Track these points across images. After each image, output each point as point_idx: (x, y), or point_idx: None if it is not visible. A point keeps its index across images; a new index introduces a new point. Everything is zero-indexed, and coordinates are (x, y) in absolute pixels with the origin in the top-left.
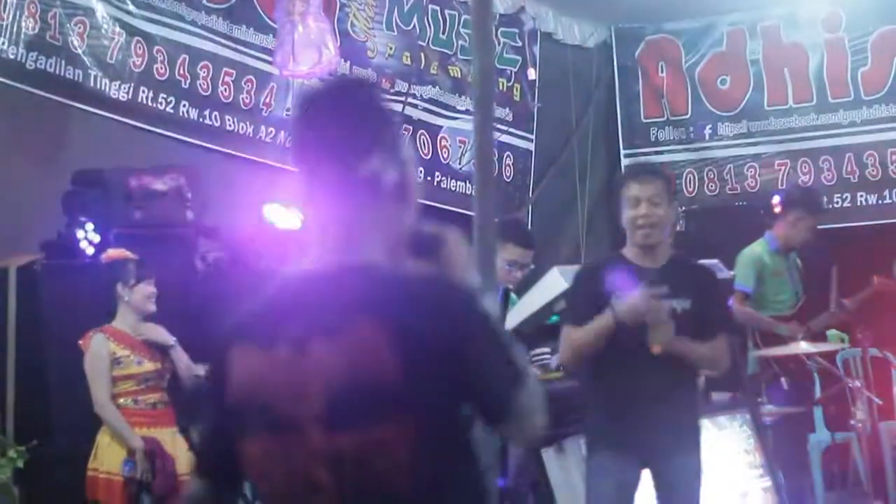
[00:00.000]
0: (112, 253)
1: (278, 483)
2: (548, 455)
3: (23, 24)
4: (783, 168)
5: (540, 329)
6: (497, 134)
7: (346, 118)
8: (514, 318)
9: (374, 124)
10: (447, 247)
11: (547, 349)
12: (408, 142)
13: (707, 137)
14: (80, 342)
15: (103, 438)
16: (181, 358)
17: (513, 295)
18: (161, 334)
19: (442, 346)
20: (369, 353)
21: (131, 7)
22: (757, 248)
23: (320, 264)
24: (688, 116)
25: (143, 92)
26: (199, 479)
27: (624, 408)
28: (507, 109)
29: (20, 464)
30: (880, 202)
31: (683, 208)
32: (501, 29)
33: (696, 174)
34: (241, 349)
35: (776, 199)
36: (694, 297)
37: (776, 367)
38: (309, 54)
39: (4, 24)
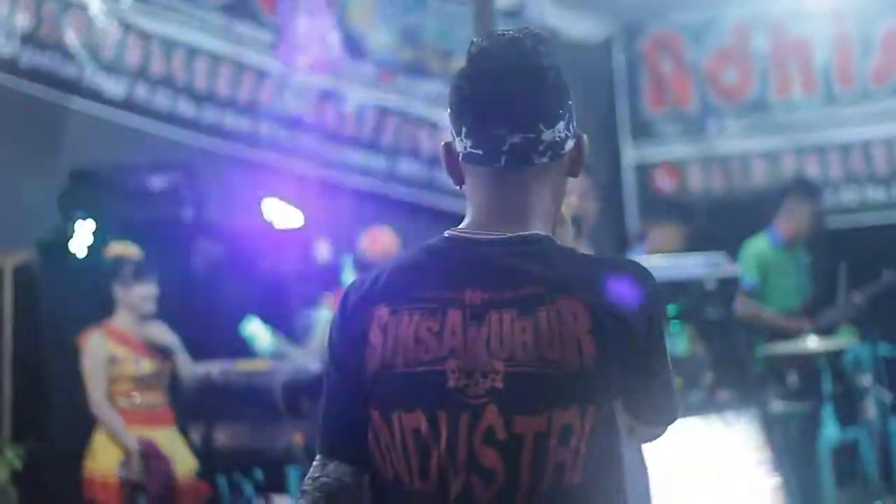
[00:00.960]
0: (115, 248)
1: (430, 459)
2: None
3: (17, 19)
4: (789, 163)
5: None
6: None
7: (530, 77)
8: None
9: (556, 85)
10: (563, 225)
11: None
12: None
13: (712, 131)
14: (79, 339)
15: (100, 439)
16: (182, 359)
17: None
18: (164, 336)
19: (634, 337)
20: (568, 331)
21: (127, 2)
22: (758, 242)
23: (496, 234)
24: (693, 111)
25: (140, 89)
26: (339, 462)
27: None
28: None
29: (17, 464)
30: (889, 197)
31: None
32: (501, 22)
33: (701, 169)
34: (393, 315)
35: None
36: None
37: (784, 362)
38: (313, 49)
39: None
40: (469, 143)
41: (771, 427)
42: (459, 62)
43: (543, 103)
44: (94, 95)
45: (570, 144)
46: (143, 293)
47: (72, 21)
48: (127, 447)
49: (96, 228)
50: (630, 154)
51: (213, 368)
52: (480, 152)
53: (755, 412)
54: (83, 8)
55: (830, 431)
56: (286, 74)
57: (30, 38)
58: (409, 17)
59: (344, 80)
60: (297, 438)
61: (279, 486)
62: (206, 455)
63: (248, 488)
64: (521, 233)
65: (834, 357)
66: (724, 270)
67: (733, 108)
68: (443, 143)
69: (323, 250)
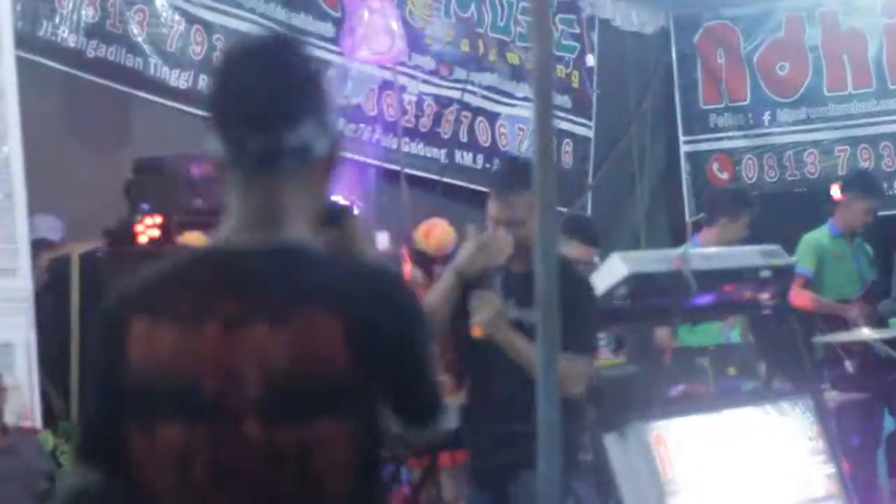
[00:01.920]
0: (188, 237)
1: (190, 470)
2: (610, 441)
3: (83, 12)
4: (843, 154)
5: (602, 316)
6: (556, 121)
7: (276, 81)
8: None
9: (305, 89)
10: (352, 221)
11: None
12: (464, 129)
13: (766, 124)
14: None
15: None
16: None
17: None
18: None
19: (389, 342)
20: (320, 342)
21: None
22: (817, 233)
23: (248, 240)
24: (747, 103)
25: (204, 80)
26: (87, 464)
27: (476, 421)
28: (566, 96)
29: None
30: None
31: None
32: (559, 15)
33: (755, 161)
34: (151, 323)
35: (835, 186)
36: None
37: (841, 351)
38: (379, 41)
39: (65, 12)
40: (219, 145)
41: (826, 416)
42: (514, 54)
43: (285, 105)
44: (159, 87)
45: (321, 148)
46: None
47: (136, 14)
48: None
49: (161, 218)
50: (685, 145)
51: None
52: (228, 155)
53: (810, 401)
54: (147, 2)
55: (885, 421)
56: (346, 66)
57: (95, 31)
58: (466, 10)
59: (403, 71)
60: None
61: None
62: None
63: None
64: (273, 240)
65: (889, 346)
66: (779, 261)
67: (786, 101)
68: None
69: (382, 242)
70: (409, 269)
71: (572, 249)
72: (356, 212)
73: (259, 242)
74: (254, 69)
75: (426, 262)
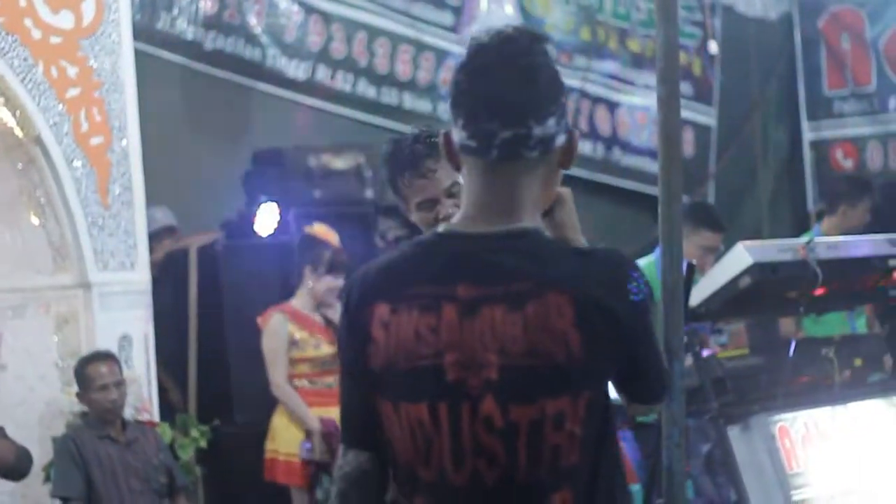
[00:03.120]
0: (318, 229)
1: (435, 448)
2: (733, 433)
3: (200, 4)
4: None
5: (725, 306)
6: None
7: (523, 75)
8: (696, 296)
9: (549, 83)
10: (564, 206)
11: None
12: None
13: (892, 109)
14: (259, 319)
15: (280, 420)
16: None
17: (697, 272)
18: None
19: (618, 326)
20: (554, 324)
21: None
22: None
23: (487, 226)
24: (872, 88)
25: (322, 70)
26: (358, 450)
27: None
28: (688, 84)
29: (203, 443)
30: None
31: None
32: (682, 2)
33: (881, 147)
34: (393, 309)
35: None
36: None
37: None
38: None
39: (182, 4)
40: (464, 134)
41: None
42: (636, 41)
43: (534, 100)
44: (277, 78)
45: (560, 139)
46: (332, 285)
47: (254, 5)
48: (310, 427)
49: (279, 209)
50: (809, 132)
51: None
52: (474, 144)
53: None
54: None
55: None
56: None
57: (213, 23)
58: None
59: None
60: None
61: None
62: None
63: None
64: (510, 227)
65: None
66: None
67: None
68: (442, 132)
69: None
70: None
71: (700, 237)
72: (567, 198)
73: (497, 228)
74: (502, 63)
75: None
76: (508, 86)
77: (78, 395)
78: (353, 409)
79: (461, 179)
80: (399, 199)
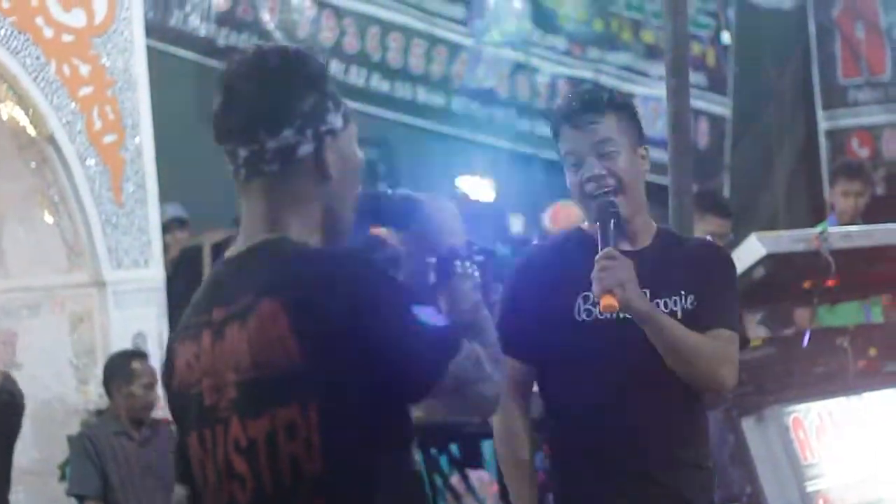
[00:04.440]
0: (382, 232)
1: (207, 476)
2: (748, 425)
3: (213, 0)
4: None
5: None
6: (691, 100)
7: (257, 89)
8: None
9: (281, 93)
10: (424, 212)
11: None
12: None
13: None
14: None
15: None
16: None
17: None
18: None
19: (342, 326)
20: (271, 335)
21: None
22: None
23: (241, 246)
24: (887, 77)
25: (335, 65)
26: (181, 483)
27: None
28: (702, 74)
29: None
30: None
31: (884, 171)
32: None
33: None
34: (180, 343)
35: None
36: (696, 291)
37: None
38: (505, 22)
39: (195, 1)
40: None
41: None
42: (649, 32)
43: (261, 114)
44: None
45: (305, 150)
46: None
47: (267, 1)
48: None
49: None
50: (824, 121)
51: None
52: (231, 168)
53: None
54: None
55: None
56: (478, 48)
57: (226, 19)
58: None
59: (536, 53)
60: None
61: (475, 461)
62: None
63: (444, 463)
64: (257, 240)
65: None
66: None
67: None
68: None
69: (517, 224)
70: None
71: (707, 224)
72: (430, 203)
73: (245, 247)
74: (231, 84)
75: None
76: (237, 104)
77: (114, 388)
78: (176, 446)
79: (619, 140)
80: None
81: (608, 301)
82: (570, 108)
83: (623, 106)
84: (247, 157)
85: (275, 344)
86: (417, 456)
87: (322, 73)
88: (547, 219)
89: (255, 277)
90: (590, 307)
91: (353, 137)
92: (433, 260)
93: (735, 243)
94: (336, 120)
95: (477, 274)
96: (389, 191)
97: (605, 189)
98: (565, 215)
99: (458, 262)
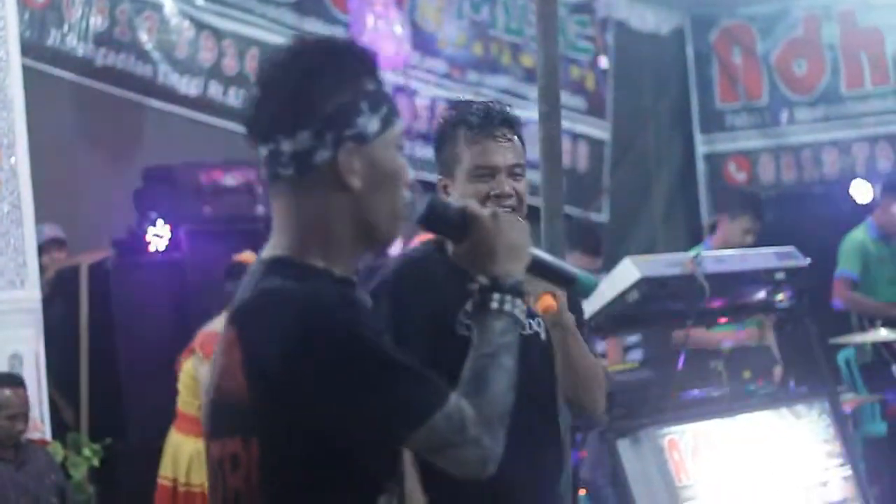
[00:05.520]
0: (245, 256)
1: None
2: (623, 446)
3: (91, 20)
4: (861, 153)
5: (614, 320)
6: (569, 123)
7: (281, 85)
8: (586, 310)
9: (301, 93)
10: (479, 229)
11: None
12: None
13: (784, 122)
14: (176, 366)
15: (170, 446)
16: None
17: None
18: None
19: (284, 371)
20: (229, 363)
21: (200, 1)
22: (859, 235)
23: (260, 257)
24: (764, 102)
25: (213, 87)
26: None
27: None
28: (582, 98)
29: (95, 462)
30: None
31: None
32: (574, 16)
33: (772, 160)
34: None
35: (859, 185)
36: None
37: (886, 354)
38: (385, 46)
39: (73, 20)
40: None
41: (842, 419)
42: (528, 56)
43: (279, 112)
44: (168, 94)
45: (322, 155)
46: None
47: (145, 21)
48: None
49: (170, 227)
50: (702, 145)
51: None
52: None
53: (826, 404)
54: (156, 8)
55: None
56: None
57: (104, 39)
58: (478, 13)
59: (415, 75)
60: None
61: None
62: None
63: None
64: (263, 258)
65: None
66: (794, 262)
67: (804, 100)
68: None
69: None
70: None
71: (576, 259)
72: (489, 216)
73: (259, 258)
74: (259, 82)
75: None
76: (261, 100)
77: None
78: None
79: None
80: (443, 165)
81: (548, 301)
82: (489, 120)
83: (521, 128)
84: (266, 157)
85: (230, 372)
86: None
87: (363, 70)
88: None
89: (238, 298)
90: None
91: (393, 142)
92: (475, 286)
93: (611, 266)
94: (369, 123)
95: (519, 313)
96: (451, 202)
97: (508, 208)
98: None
99: (496, 295)
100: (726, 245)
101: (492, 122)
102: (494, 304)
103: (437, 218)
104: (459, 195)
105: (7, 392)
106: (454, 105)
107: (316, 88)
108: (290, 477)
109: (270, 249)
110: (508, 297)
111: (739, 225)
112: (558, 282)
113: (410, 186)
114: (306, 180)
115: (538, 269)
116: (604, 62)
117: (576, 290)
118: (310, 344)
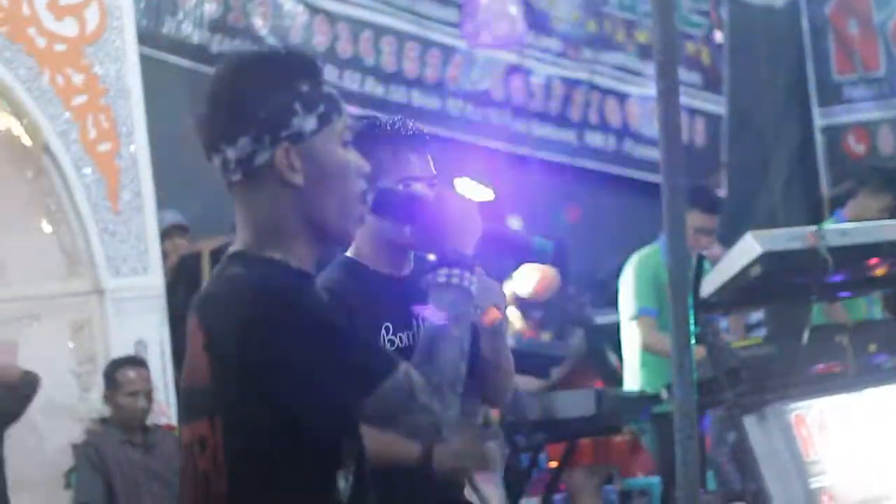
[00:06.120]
0: None
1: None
2: (750, 423)
3: (205, 7)
4: None
5: (736, 296)
6: (685, 99)
7: (219, 97)
8: (707, 286)
9: (238, 100)
10: (428, 209)
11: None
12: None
13: None
14: None
15: None
16: None
17: (706, 262)
18: None
19: (237, 350)
20: (195, 349)
21: None
22: None
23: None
24: (881, 73)
25: (329, 70)
26: None
27: None
28: (696, 74)
29: None
30: None
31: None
32: None
33: (892, 132)
34: None
35: None
36: None
37: None
38: (499, 25)
39: (188, 8)
40: None
41: None
42: (643, 33)
43: (220, 122)
44: None
45: (263, 157)
46: None
47: (259, 7)
48: None
49: None
50: (820, 118)
51: None
52: None
53: None
54: None
55: None
56: (472, 51)
57: (219, 25)
58: None
59: (529, 54)
60: (494, 413)
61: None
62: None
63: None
64: (227, 255)
65: None
66: None
67: None
68: None
69: (515, 225)
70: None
71: (693, 219)
72: (444, 197)
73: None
74: (208, 89)
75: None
76: (205, 114)
77: (105, 396)
78: None
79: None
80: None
81: (495, 314)
82: (409, 132)
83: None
84: (219, 167)
85: (196, 358)
86: (343, 483)
87: (297, 74)
88: (527, 285)
89: (202, 288)
90: (392, 338)
91: (335, 137)
92: (428, 264)
93: (732, 242)
94: (305, 122)
95: (468, 284)
96: (400, 187)
97: None
98: (547, 280)
99: (443, 270)
100: (859, 219)
101: (420, 136)
102: (442, 279)
103: (387, 204)
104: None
105: (128, 371)
106: (368, 125)
107: (250, 96)
108: (250, 454)
109: (234, 245)
110: (456, 271)
111: (879, 202)
112: (514, 251)
113: (364, 175)
114: (254, 182)
115: (492, 240)
116: (719, 36)
117: (533, 255)
118: (263, 321)
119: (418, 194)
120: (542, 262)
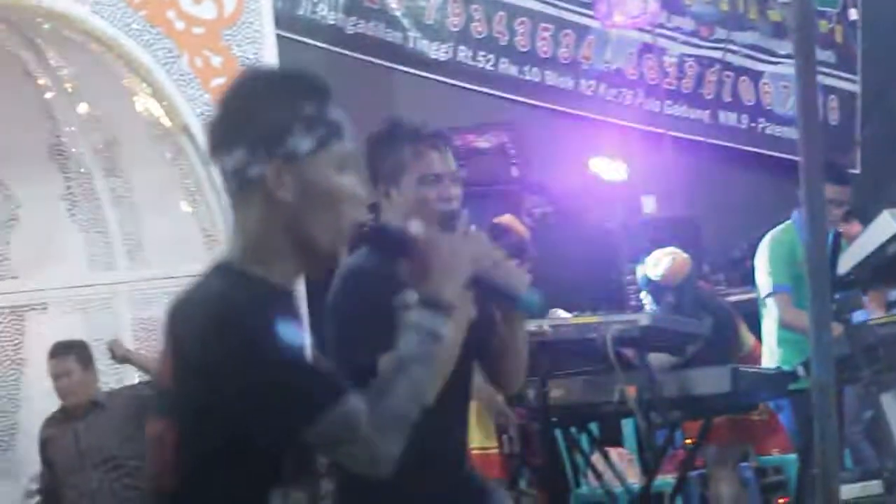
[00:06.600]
0: (505, 219)
1: None
2: (887, 400)
3: None
4: None
5: (873, 273)
6: (821, 77)
7: (225, 109)
8: (844, 264)
9: (236, 112)
10: (414, 249)
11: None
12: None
13: None
14: None
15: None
16: None
17: (843, 240)
18: None
19: (192, 362)
20: (164, 352)
21: None
22: None
23: None
24: None
25: (463, 51)
26: None
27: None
28: (830, 52)
29: None
30: None
31: None
32: None
33: None
34: None
35: None
36: None
37: None
38: (633, 4)
39: None
40: None
41: None
42: (776, 11)
43: (219, 133)
44: (418, 60)
45: (255, 170)
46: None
47: None
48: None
49: None
50: None
51: (545, 323)
52: None
53: None
54: None
55: None
56: (605, 30)
57: (354, 7)
58: None
59: (663, 33)
60: (630, 391)
61: (614, 439)
62: (542, 410)
63: (584, 442)
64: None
65: None
66: None
67: None
68: None
69: (649, 205)
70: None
71: (825, 190)
72: (428, 240)
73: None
74: (218, 101)
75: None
76: (213, 125)
77: None
78: None
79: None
80: (386, 175)
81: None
82: (429, 131)
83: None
84: (220, 174)
85: (164, 359)
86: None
87: (305, 95)
88: (659, 269)
89: (179, 293)
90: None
91: (332, 162)
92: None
93: (867, 219)
94: (301, 143)
95: (438, 328)
96: (392, 225)
97: (454, 209)
98: (680, 265)
99: (416, 311)
100: None
101: (431, 133)
102: (413, 319)
103: (380, 239)
104: (404, 201)
105: (50, 360)
106: (389, 122)
107: (251, 110)
108: (194, 460)
109: (222, 255)
110: (428, 314)
111: None
112: (500, 300)
113: (361, 203)
114: (246, 195)
115: (480, 287)
116: (854, 14)
117: (518, 308)
118: (219, 340)
119: (410, 234)
120: (529, 314)
